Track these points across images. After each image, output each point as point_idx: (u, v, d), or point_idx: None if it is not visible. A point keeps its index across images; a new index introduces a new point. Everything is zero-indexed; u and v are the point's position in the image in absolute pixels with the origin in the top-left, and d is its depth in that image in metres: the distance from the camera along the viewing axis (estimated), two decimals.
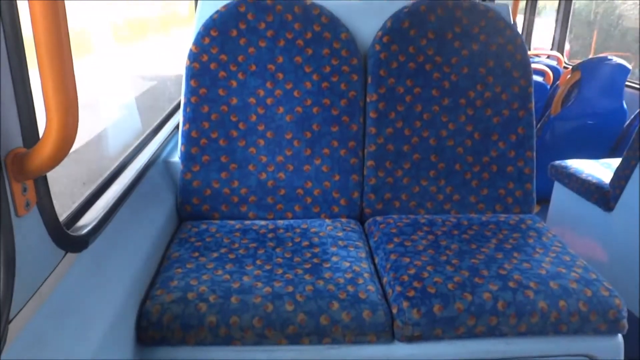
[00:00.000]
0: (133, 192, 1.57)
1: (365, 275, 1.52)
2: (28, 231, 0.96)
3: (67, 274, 1.11)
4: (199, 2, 1.95)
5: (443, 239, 1.70)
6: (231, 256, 1.59)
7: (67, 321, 1.05)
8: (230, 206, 1.87)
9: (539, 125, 3.58)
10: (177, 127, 2.10)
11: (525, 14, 6.03)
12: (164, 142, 1.98)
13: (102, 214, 1.32)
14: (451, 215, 1.92)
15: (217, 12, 1.83)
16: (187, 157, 1.84)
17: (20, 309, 0.92)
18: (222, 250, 1.62)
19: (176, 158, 1.95)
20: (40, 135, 0.90)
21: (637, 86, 4.10)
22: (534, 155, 1.96)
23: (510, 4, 5.03)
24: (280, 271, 1.51)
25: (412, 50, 1.89)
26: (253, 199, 1.87)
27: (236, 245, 1.65)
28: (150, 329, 1.34)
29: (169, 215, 1.79)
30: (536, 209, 2.06)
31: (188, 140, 1.84)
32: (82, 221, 1.28)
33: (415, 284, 1.46)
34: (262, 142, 1.86)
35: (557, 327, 1.44)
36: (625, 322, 1.46)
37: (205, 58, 1.81)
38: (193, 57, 1.82)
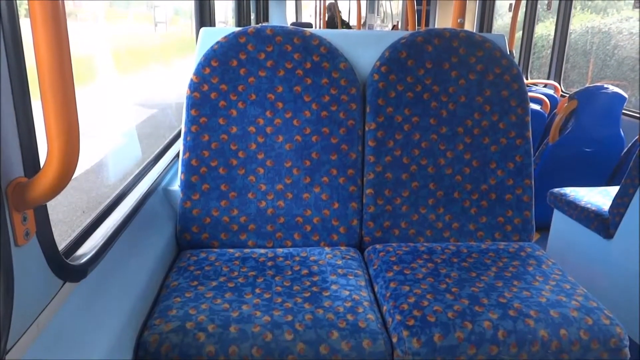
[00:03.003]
0: (132, 221, 1.57)
1: (365, 303, 1.51)
2: (27, 261, 0.95)
3: (65, 304, 1.11)
4: (200, 33, 1.98)
5: (442, 267, 1.70)
6: (230, 285, 1.58)
7: (64, 352, 1.04)
8: (229, 234, 1.86)
9: (537, 153, 3.60)
10: (177, 155, 2.11)
11: (522, 44, 6.12)
12: (164, 170, 1.99)
13: (101, 243, 1.32)
14: (450, 243, 1.92)
15: (217, 42, 1.86)
16: (187, 185, 1.85)
17: (18, 340, 0.91)
18: (221, 279, 1.61)
19: (176, 186, 1.96)
20: (41, 164, 0.91)
21: (634, 114, 4.14)
22: (532, 183, 1.97)
23: (507, 34, 5.12)
24: (279, 300, 1.50)
25: (410, 79, 1.92)
26: (252, 227, 1.87)
27: (235, 274, 1.64)
28: (148, 359, 1.33)
29: (168, 244, 1.79)
30: (536, 236, 2.06)
31: (188, 168, 1.84)
32: (81, 250, 1.28)
33: (415, 312, 1.45)
34: (261, 170, 1.87)
35: (559, 356, 1.42)
36: (627, 350, 1.45)
37: (205, 87, 1.84)
38: (194, 86, 1.84)
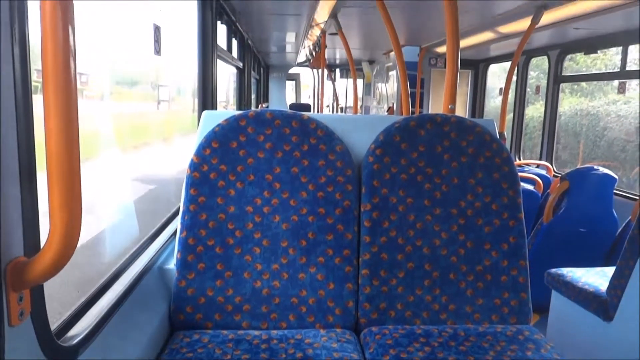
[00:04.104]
0: (126, 301, 1.56)
1: None
2: (19, 342, 0.95)
3: None
4: (202, 115, 2.06)
5: (440, 351, 1.67)
6: None
7: None
8: (223, 315, 1.84)
9: (532, 232, 3.62)
10: (174, 233, 2.12)
11: (513, 125, 6.30)
12: (160, 248, 1.99)
13: (94, 323, 1.30)
14: (447, 325, 1.90)
15: (218, 125, 1.92)
16: (182, 264, 1.84)
17: None
18: None
19: (172, 265, 1.95)
20: (42, 243, 0.92)
21: (626, 195, 4.20)
22: (527, 265, 1.98)
23: (498, 116, 5.30)
24: None
25: (404, 162, 1.97)
26: (247, 308, 1.85)
27: (228, 357, 1.61)
28: None
29: (160, 325, 1.76)
30: (535, 318, 2.03)
31: (185, 247, 1.85)
32: (73, 331, 1.27)
33: None
34: (257, 249, 1.88)
35: None
36: None
37: (205, 168, 1.88)
38: (194, 166, 1.88)
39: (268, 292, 1.86)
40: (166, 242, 2.07)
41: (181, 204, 1.90)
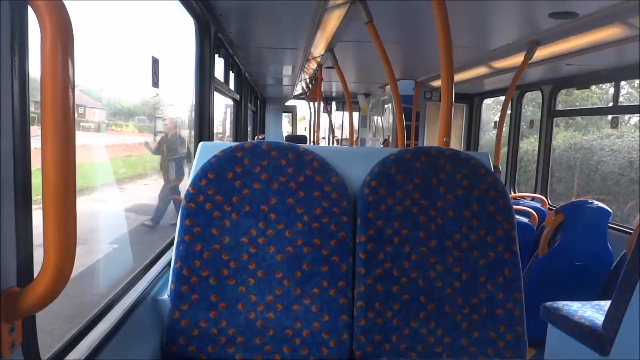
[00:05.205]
0: (119, 333, 1.55)
1: None
2: None
3: None
4: (198, 147, 2.07)
5: None
6: None
7: None
8: (217, 348, 1.82)
9: (528, 266, 3.62)
10: (168, 264, 2.11)
11: (507, 159, 6.35)
12: (154, 279, 1.98)
13: (85, 356, 1.29)
14: (443, 359, 1.87)
15: (215, 156, 1.93)
16: (176, 295, 1.83)
17: None
18: None
19: (165, 296, 1.94)
20: (35, 273, 0.92)
21: (621, 228, 4.22)
22: (522, 298, 1.97)
23: (493, 149, 5.36)
24: None
25: (399, 194, 1.97)
26: (240, 340, 1.83)
27: None
28: None
29: (153, 357, 1.74)
30: (531, 352, 2.01)
31: (179, 278, 1.84)
32: None
33: None
34: (252, 280, 1.87)
35: None
36: None
37: (201, 198, 1.88)
38: (189, 197, 1.88)
39: (262, 323, 1.84)
40: (160, 272, 2.06)
41: (176, 235, 1.90)
